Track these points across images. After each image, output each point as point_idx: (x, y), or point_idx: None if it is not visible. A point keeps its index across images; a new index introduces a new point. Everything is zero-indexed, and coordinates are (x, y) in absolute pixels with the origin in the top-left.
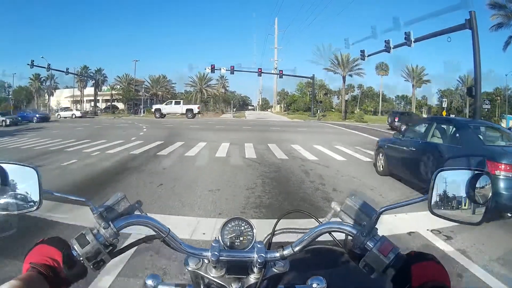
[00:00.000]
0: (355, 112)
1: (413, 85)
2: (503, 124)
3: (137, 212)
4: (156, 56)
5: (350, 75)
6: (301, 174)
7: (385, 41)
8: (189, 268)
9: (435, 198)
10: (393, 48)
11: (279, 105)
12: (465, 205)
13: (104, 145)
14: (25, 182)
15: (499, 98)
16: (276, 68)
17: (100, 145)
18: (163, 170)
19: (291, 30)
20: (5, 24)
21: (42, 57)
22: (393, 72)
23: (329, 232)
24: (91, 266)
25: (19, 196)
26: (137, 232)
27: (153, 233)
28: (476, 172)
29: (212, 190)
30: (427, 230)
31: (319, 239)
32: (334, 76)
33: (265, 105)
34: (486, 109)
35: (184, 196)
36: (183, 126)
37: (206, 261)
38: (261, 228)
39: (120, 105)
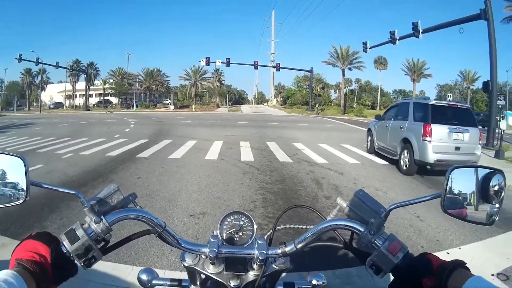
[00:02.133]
0: (354, 106)
1: (413, 80)
2: (503, 121)
3: (131, 206)
4: (150, 49)
5: (350, 69)
6: (312, 185)
7: (390, 32)
8: (186, 264)
9: (448, 196)
10: (398, 39)
11: (275, 99)
12: (478, 204)
13: (83, 144)
14: (11, 172)
15: (498, 94)
16: (273, 61)
17: (78, 144)
18: (137, 180)
19: (288, 22)
20: None
21: (33, 51)
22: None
23: (334, 229)
24: (82, 264)
25: (4, 187)
26: (131, 225)
27: (148, 227)
28: (489, 170)
29: (194, 214)
30: (492, 275)
31: (323, 236)
32: (332, 69)
33: (261, 99)
34: (499, 106)
35: None
36: (174, 122)
37: (203, 256)
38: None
39: (113, 100)
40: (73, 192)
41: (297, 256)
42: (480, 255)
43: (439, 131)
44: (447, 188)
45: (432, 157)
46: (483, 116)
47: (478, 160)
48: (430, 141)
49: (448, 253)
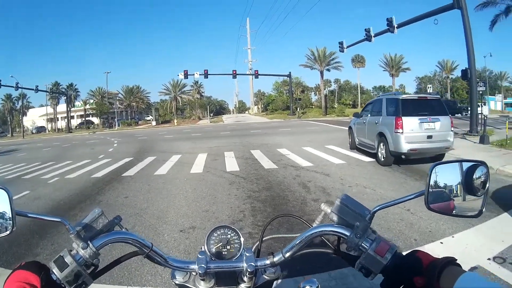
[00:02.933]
0: (335, 106)
1: (392, 75)
2: (485, 106)
3: (117, 228)
4: (129, 66)
5: (328, 70)
6: (299, 189)
7: (365, 29)
8: (177, 282)
9: (431, 193)
10: (374, 36)
11: (256, 106)
12: (462, 198)
13: (68, 167)
14: None
15: (478, 80)
16: (251, 69)
17: (63, 167)
18: (124, 199)
19: (263, 29)
20: None
21: (12, 76)
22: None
23: (321, 236)
24: None
25: None
26: (120, 246)
27: (136, 248)
28: (472, 163)
29: (184, 229)
30: (488, 259)
31: (312, 241)
32: (311, 72)
33: (242, 108)
34: (480, 91)
35: None
36: (157, 137)
37: (194, 273)
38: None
39: (95, 120)
40: (58, 219)
41: (289, 262)
42: (474, 241)
43: (410, 122)
44: (431, 184)
45: (405, 147)
46: (451, 103)
47: (451, 145)
48: (402, 132)
49: (441, 242)
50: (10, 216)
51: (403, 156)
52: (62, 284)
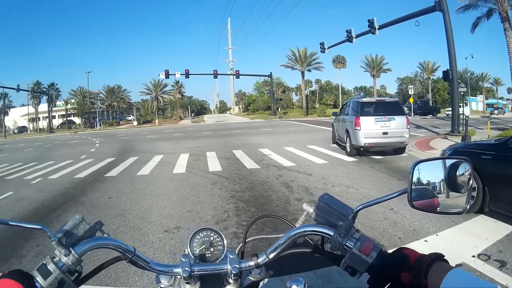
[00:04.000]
0: (316, 107)
1: (373, 75)
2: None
3: (98, 234)
4: (110, 66)
5: (309, 70)
6: (282, 189)
7: (346, 30)
8: (162, 286)
9: (414, 190)
10: (355, 37)
11: (237, 106)
12: (446, 195)
13: (50, 168)
14: None
15: (459, 81)
16: (232, 69)
17: (45, 168)
18: (107, 200)
19: (244, 29)
20: None
21: None
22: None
23: (304, 236)
24: None
25: None
26: (102, 252)
27: (118, 254)
28: (455, 160)
29: (169, 230)
30: (473, 256)
31: (296, 241)
32: (292, 72)
33: (223, 108)
34: (461, 92)
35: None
36: (139, 137)
37: (178, 277)
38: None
39: (77, 120)
40: (39, 227)
41: (275, 262)
42: (459, 239)
43: (366, 121)
44: (413, 182)
45: (362, 141)
46: (422, 104)
47: (406, 141)
48: (360, 129)
49: (426, 240)
50: None
51: (361, 149)
52: None
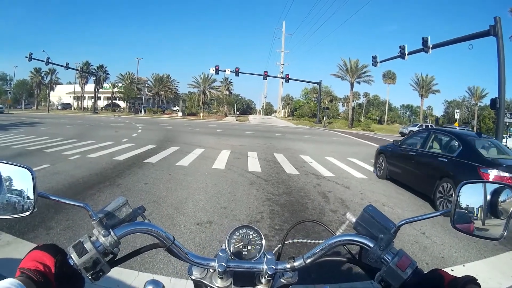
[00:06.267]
0: (361, 120)
1: (421, 95)
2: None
3: (139, 219)
4: (161, 55)
5: (358, 82)
6: (318, 198)
7: (400, 46)
8: (193, 277)
9: (458, 211)
10: (408, 54)
11: (283, 110)
12: (485, 219)
13: (90, 146)
14: (19, 183)
15: (506, 111)
16: (282, 72)
17: (85, 146)
18: (144, 186)
19: (298, 34)
20: (8, 16)
21: (43, 51)
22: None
23: (344, 245)
24: (89, 277)
25: (12, 198)
26: (138, 237)
27: (157, 240)
28: (498, 185)
29: (201, 223)
30: None
31: (331, 250)
32: (341, 82)
33: (269, 110)
34: (507, 123)
35: None
36: (182, 129)
37: (211, 270)
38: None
39: (122, 103)
40: (81, 204)
41: (305, 269)
42: (484, 273)
43: None
44: (457, 203)
45: None
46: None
47: None
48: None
49: (452, 270)
50: (32, 196)
51: None
52: (78, 269)
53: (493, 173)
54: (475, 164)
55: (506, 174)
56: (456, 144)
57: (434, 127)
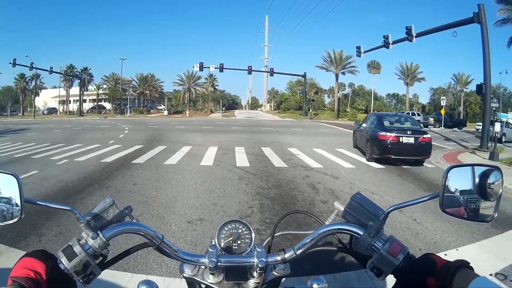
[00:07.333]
0: (347, 110)
1: (406, 83)
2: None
3: (127, 219)
4: (144, 54)
5: (343, 73)
6: (308, 190)
7: (383, 36)
8: (185, 275)
9: (446, 195)
10: (392, 43)
11: (269, 104)
12: (476, 202)
13: (77, 150)
14: (6, 190)
15: (492, 96)
16: (266, 66)
17: (73, 150)
18: (133, 186)
19: (282, 27)
20: None
21: (27, 56)
22: (384, 70)
23: (333, 234)
24: (80, 280)
25: (0, 206)
26: (128, 237)
27: (146, 240)
28: (487, 168)
29: (192, 221)
30: (490, 275)
31: (322, 240)
32: (326, 74)
33: (254, 104)
34: (493, 108)
35: None
36: (169, 127)
37: (203, 267)
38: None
39: (107, 105)
40: (68, 208)
41: (296, 261)
42: (478, 256)
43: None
44: (445, 187)
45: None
46: (447, 116)
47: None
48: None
49: (446, 254)
50: (19, 203)
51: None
52: (69, 273)
53: (382, 134)
54: (377, 130)
55: (389, 134)
56: (376, 121)
57: (421, 114)
